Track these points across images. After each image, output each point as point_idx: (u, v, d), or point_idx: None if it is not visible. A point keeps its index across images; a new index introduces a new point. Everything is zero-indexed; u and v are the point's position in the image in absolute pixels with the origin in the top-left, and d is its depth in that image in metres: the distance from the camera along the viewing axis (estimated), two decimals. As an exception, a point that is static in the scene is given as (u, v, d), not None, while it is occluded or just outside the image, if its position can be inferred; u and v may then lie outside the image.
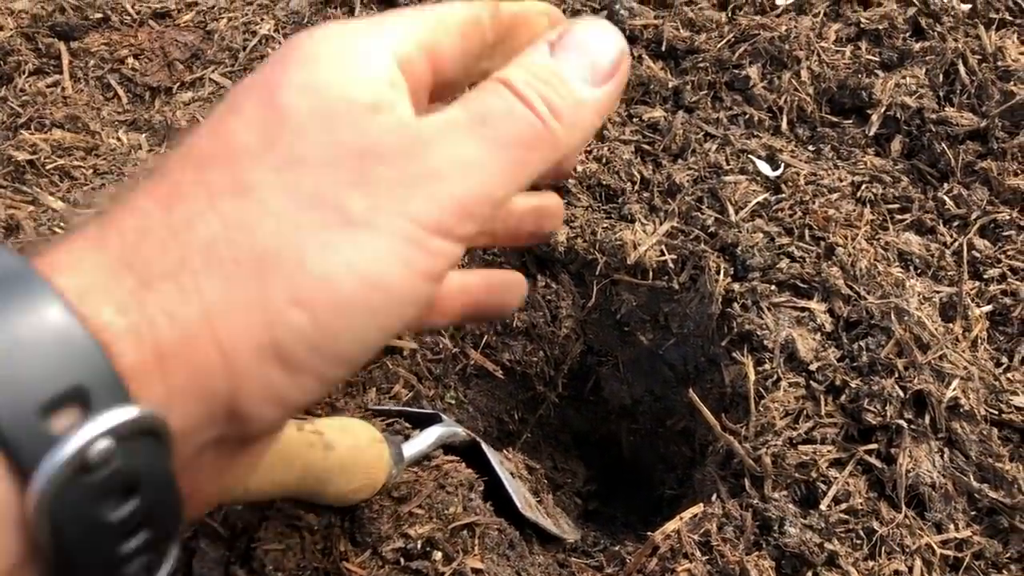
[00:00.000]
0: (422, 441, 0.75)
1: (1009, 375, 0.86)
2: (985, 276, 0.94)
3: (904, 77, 1.10)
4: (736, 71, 1.14)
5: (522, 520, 0.80)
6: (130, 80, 1.33)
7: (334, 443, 0.61)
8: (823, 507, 0.77)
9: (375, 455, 0.67)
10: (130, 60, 1.34)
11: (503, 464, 0.83)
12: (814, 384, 0.85)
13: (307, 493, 0.63)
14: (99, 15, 1.37)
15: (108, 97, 1.32)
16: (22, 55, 1.32)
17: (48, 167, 1.18)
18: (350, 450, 0.63)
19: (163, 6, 1.40)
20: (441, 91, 0.46)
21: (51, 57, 1.33)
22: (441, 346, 0.96)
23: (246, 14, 1.39)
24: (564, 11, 1.27)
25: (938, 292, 0.92)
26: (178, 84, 1.33)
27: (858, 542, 0.75)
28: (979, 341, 0.89)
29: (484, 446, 0.81)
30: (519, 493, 0.81)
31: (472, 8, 0.46)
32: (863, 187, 1.02)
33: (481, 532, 0.72)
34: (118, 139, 1.25)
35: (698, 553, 0.73)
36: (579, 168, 1.03)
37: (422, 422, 0.79)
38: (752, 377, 0.86)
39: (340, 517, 0.69)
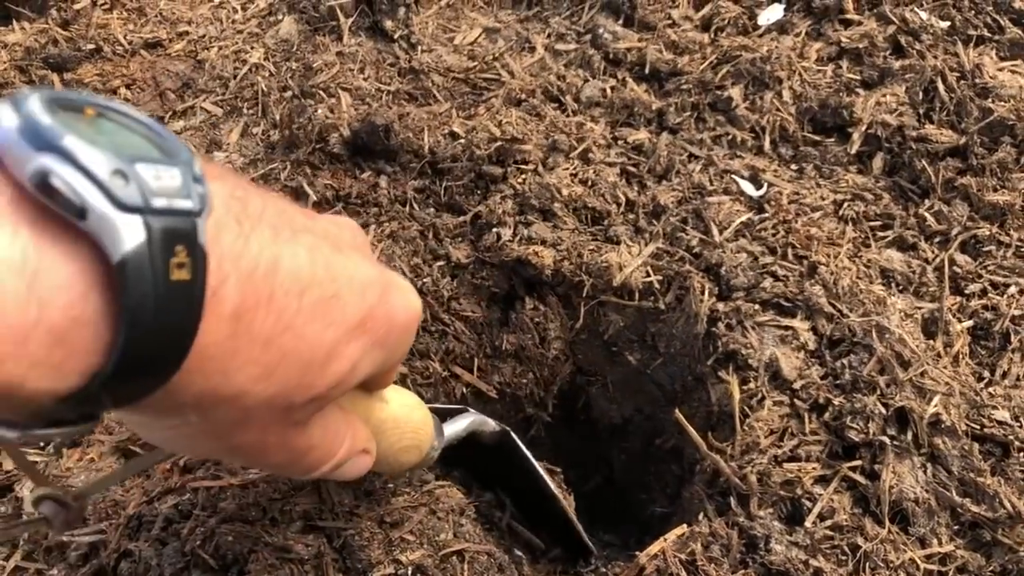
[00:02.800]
0: (457, 425, 0.77)
1: (991, 390, 0.87)
2: (966, 291, 0.96)
3: (885, 95, 1.12)
4: (719, 92, 1.15)
5: (543, 516, 0.81)
6: (123, 110, 1.34)
7: (389, 398, 0.63)
8: (808, 524, 0.78)
9: (423, 418, 0.68)
10: (123, 90, 1.36)
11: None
12: (798, 402, 0.86)
13: None
14: (91, 46, 1.39)
15: (101, 127, 1.33)
16: (16, 87, 1.33)
17: (42, 198, 1.19)
18: (402, 407, 0.65)
19: (154, 36, 1.42)
20: None
21: (44, 89, 1.35)
22: (431, 370, 0.97)
23: (236, 43, 1.41)
24: (548, 36, 1.29)
25: (920, 308, 0.93)
26: (170, 113, 1.34)
27: (843, 558, 0.76)
28: (961, 356, 0.90)
29: (514, 436, 0.82)
30: (555, 485, 0.83)
31: None
32: (845, 205, 1.03)
33: (471, 557, 0.73)
34: (111, 169, 1.27)
35: (684, 573, 0.74)
36: (565, 191, 1.05)
37: (452, 415, 0.81)
38: (737, 396, 0.88)
39: (330, 545, 0.70)
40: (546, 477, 0.82)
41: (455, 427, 0.77)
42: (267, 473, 0.75)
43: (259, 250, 0.41)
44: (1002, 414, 0.84)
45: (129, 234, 0.34)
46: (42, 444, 0.86)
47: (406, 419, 0.66)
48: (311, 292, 0.43)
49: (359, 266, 0.48)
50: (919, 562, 0.75)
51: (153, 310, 0.35)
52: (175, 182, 0.36)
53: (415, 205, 1.07)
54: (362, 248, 0.52)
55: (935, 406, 0.82)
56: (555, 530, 0.87)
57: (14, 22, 1.45)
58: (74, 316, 0.34)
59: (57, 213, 0.34)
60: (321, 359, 0.45)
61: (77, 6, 1.43)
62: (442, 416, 0.78)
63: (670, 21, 1.28)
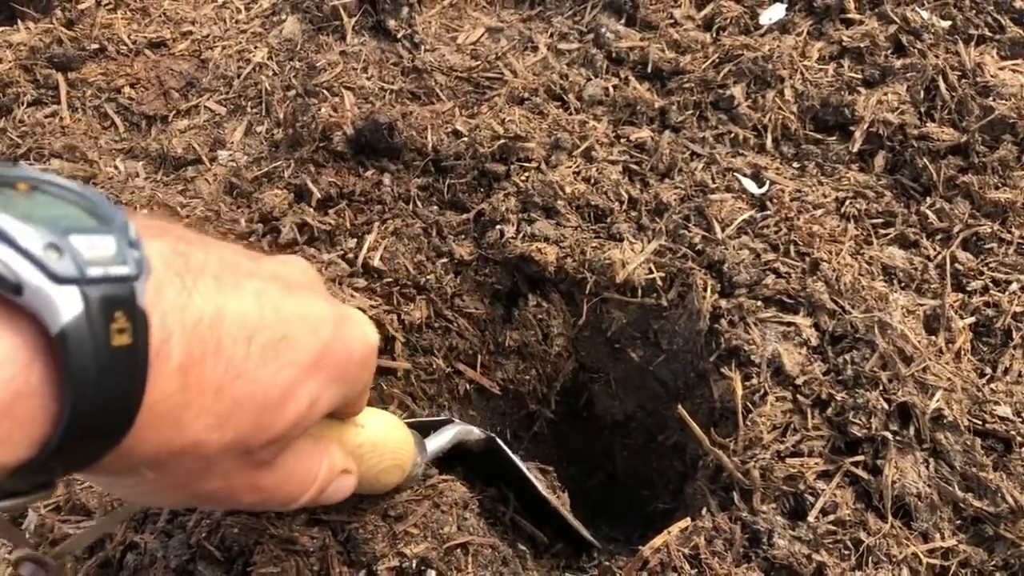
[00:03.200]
0: (441, 438, 0.77)
1: (992, 385, 0.87)
2: (968, 288, 0.96)
3: (886, 94, 1.12)
4: (721, 91, 1.16)
5: (543, 515, 0.82)
6: (127, 109, 1.35)
7: (363, 423, 0.63)
8: (811, 519, 0.78)
9: (402, 438, 0.68)
10: (127, 89, 1.37)
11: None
12: (800, 398, 0.86)
13: None
14: (96, 46, 1.39)
15: (105, 126, 1.34)
16: (20, 86, 1.34)
17: (47, 196, 1.19)
18: (380, 429, 0.65)
19: (158, 35, 1.43)
20: None
21: (49, 88, 1.35)
22: (435, 366, 0.97)
23: (240, 42, 1.42)
24: (550, 35, 1.30)
25: (922, 305, 0.94)
26: (174, 112, 1.35)
27: (846, 552, 0.76)
28: (962, 352, 0.90)
29: (500, 442, 0.82)
30: (542, 483, 0.83)
31: None
32: (847, 203, 1.04)
33: (475, 551, 0.73)
34: (116, 167, 1.27)
35: (687, 567, 0.75)
36: (568, 189, 1.05)
37: (436, 427, 0.81)
38: (740, 392, 0.88)
39: (335, 538, 0.70)
40: (536, 481, 0.82)
41: (439, 440, 0.77)
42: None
43: (203, 301, 0.41)
44: (1004, 409, 0.84)
45: (66, 305, 0.35)
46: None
47: (384, 441, 0.66)
48: (260, 336, 0.44)
49: (310, 304, 0.48)
50: (922, 556, 0.76)
51: (96, 377, 0.36)
52: (109, 250, 0.37)
53: (419, 203, 1.08)
54: (313, 285, 0.52)
55: (937, 401, 0.82)
56: (556, 528, 0.87)
57: (19, 22, 1.45)
58: (17, 389, 0.35)
59: None
60: (276, 401, 0.45)
61: (81, 6, 1.44)
62: (426, 430, 0.79)
63: (672, 20, 1.28)
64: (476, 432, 0.81)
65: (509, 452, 0.82)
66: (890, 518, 0.78)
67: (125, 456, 0.40)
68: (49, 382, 0.35)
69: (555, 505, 0.83)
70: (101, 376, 0.36)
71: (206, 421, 0.42)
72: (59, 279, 0.35)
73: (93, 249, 0.37)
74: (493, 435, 0.82)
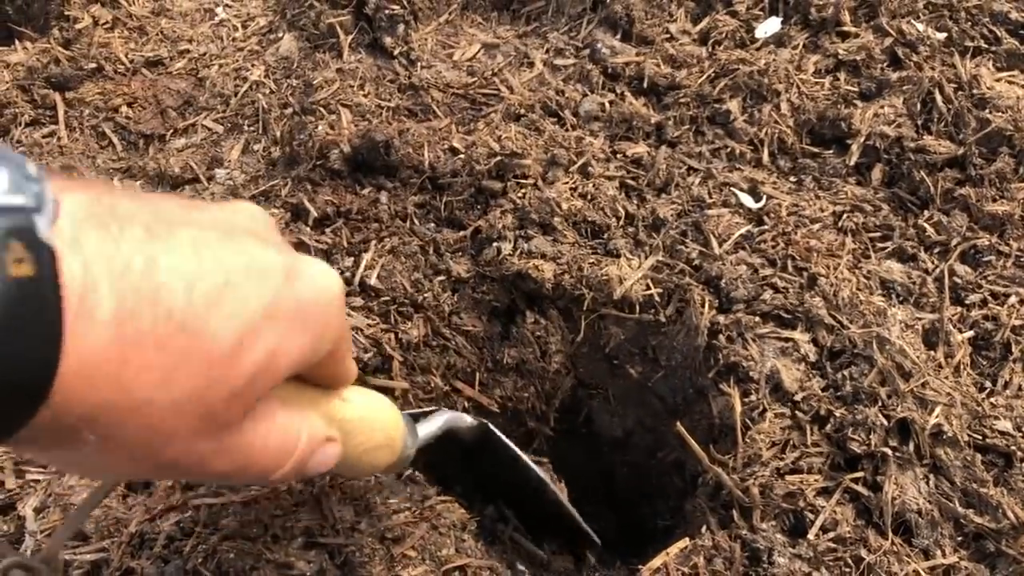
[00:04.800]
0: (431, 424, 0.74)
1: (992, 400, 0.87)
2: (967, 302, 0.96)
3: (883, 107, 1.12)
4: (717, 105, 1.16)
5: (541, 507, 0.80)
6: (124, 128, 1.35)
7: (349, 397, 0.60)
8: (811, 536, 0.78)
9: (392, 416, 0.65)
10: (124, 108, 1.37)
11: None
12: (799, 414, 0.86)
13: None
14: (93, 65, 1.39)
15: (103, 145, 1.34)
16: (18, 107, 1.34)
17: (44, 217, 1.19)
18: (368, 406, 0.62)
19: (155, 55, 1.43)
20: None
21: (47, 108, 1.36)
22: (432, 385, 0.97)
23: (236, 60, 1.42)
24: (546, 51, 1.30)
25: (920, 319, 0.93)
26: (171, 131, 1.35)
27: (847, 570, 0.76)
28: (962, 367, 0.90)
29: (492, 427, 0.80)
30: (543, 472, 0.81)
31: None
32: (844, 216, 1.04)
33: (473, 573, 0.73)
34: (114, 187, 1.27)
35: (687, 587, 0.74)
36: (564, 205, 1.05)
37: (425, 416, 0.77)
38: (739, 408, 0.88)
39: (331, 561, 0.70)
40: (534, 466, 0.80)
41: (430, 426, 0.74)
42: (268, 489, 0.75)
43: (131, 250, 0.39)
44: (1004, 424, 0.84)
45: None
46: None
47: (374, 417, 0.62)
48: (200, 286, 0.41)
49: (256, 251, 0.46)
50: (923, 574, 0.75)
51: None
52: (2, 181, 0.36)
53: (415, 220, 1.08)
54: (261, 232, 0.49)
55: (937, 417, 0.82)
56: (555, 523, 0.85)
57: (16, 42, 1.46)
58: None
59: None
60: (227, 353, 0.43)
61: (79, 25, 1.44)
62: (416, 419, 0.76)
63: (668, 35, 1.28)
64: (467, 419, 0.79)
65: (504, 437, 0.79)
66: (891, 535, 0.77)
67: (64, 418, 0.38)
68: None
69: (554, 491, 0.81)
70: (2, 310, 0.34)
71: (151, 377, 0.40)
72: None
73: None
74: (486, 421, 0.80)
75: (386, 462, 0.65)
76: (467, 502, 0.83)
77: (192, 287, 0.41)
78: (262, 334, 0.44)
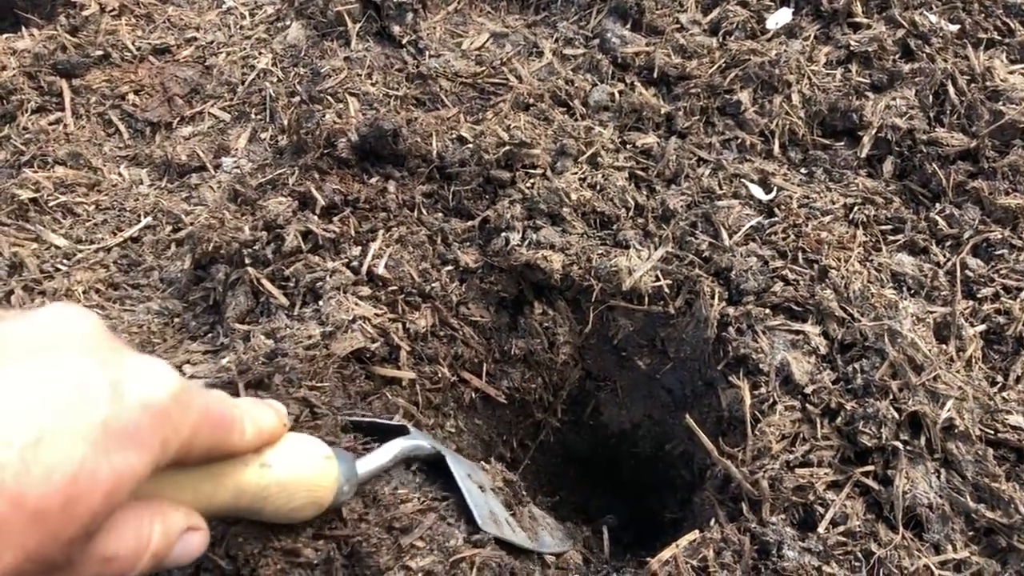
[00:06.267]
0: (380, 456, 0.73)
1: (1004, 394, 0.86)
2: (979, 295, 0.95)
3: (894, 98, 1.11)
4: (728, 96, 1.15)
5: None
6: (131, 116, 1.35)
7: (271, 462, 0.60)
8: (821, 530, 0.77)
9: (319, 473, 0.65)
10: (131, 96, 1.37)
11: (471, 477, 0.81)
12: (810, 407, 0.85)
13: (245, 511, 0.62)
14: (100, 52, 1.39)
15: (109, 133, 1.34)
16: (25, 93, 1.34)
17: (51, 204, 1.19)
18: (289, 469, 0.62)
19: (162, 42, 1.43)
20: None
21: (53, 95, 1.35)
22: (440, 375, 0.97)
23: (244, 48, 1.41)
24: (556, 41, 1.29)
25: (932, 312, 0.93)
26: (178, 119, 1.34)
27: (856, 564, 0.75)
28: (973, 361, 0.89)
29: (449, 459, 0.79)
30: (482, 507, 0.79)
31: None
32: (855, 209, 1.03)
33: (481, 564, 0.72)
34: (120, 174, 1.27)
35: (696, 579, 0.74)
36: (573, 196, 1.04)
37: (390, 434, 0.77)
38: (748, 401, 0.87)
39: (339, 551, 0.70)
40: (471, 503, 0.77)
41: (380, 457, 0.73)
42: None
43: None
44: (1016, 419, 0.83)
45: None
46: None
47: (294, 480, 0.62)
48: (7, 454, 0.39)
49: (74, 372, 0.43)
50: (934, 568, 0.75)
51: None
52: None
53: (423, 210, 1.07)
54: (81, 340, 0.46)
55: (948, 411, 0.81)
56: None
57: (23, 28, 1.45)
58: None
59: None
60: (56, 510, 0.41)
61: (86, 12, 1.44)
62: (381, 433, 0.77)
63: (678, 25, 1.28)
64: (426, 447, 0.78)
65: (455, 471, 0.78)
66: (901, 529, 0.77)
67: None
68: None
69: (489, 531, 0.77)
70: None
71: None
72: None
73: None
74: (443, 450, 0.79)
75: (312, 514, 0.67)
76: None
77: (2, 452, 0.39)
78: (93, 471, 0.42)
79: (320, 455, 0.65)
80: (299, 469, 0.63)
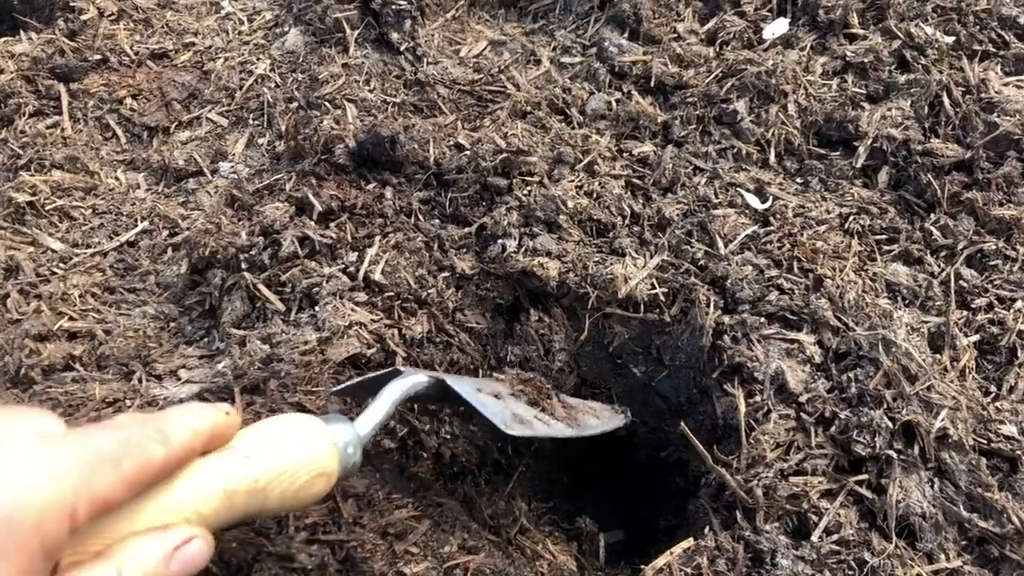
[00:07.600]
0: (378, 408, 0.69)
1: (997, 404, 0.87)
2: (973, 305, 0.95)
3: (890, 109, 1.12)
4: (724, 105, 1.15)
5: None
6: (128, 120, 1.35)
7: (251, 451, 0.57)
8: (814, 538, 0.77)
9: (314, 444, 0.61)
10: (128, 100, 1.37)
11: (481, 391, 0.78)
12: (804, 416, 0.85)
13: (251, 511, 0.58)
14: (98, 56, 1.39)
15: (107, 137, 1.34)
16: (22, 97, 1.34)
17: (48, 208, 1.19)
18: (278, 450, 0.59)
19: (160, 47, 1.43)
20: None
21: (51, 98, 1.35)
22: (436, 381, 0.97)
23: (242, 54, 1.42)
24: (553, 49, 1.29)
25: (926, 322, 0.93)
26: (176, 123, 1.35)
27: (850, 573, 0.76)
28: (967, 371, 0.90)
29: (451, 381, 0.76)
30: (502, 413, 0.76)
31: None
32: (851, 219, 1.03)
33: (475, 570, 0.72)
34: (116, 179, 1.27)
35: (690, 587, 0.74)
36: (570, 204, 1.04)
37: (383, 383, 0.72)
38: (743, 409, 0.87)
39: (334, 556, 0.70)
40: (488, 414, 0.74)
41: (379, 410, 0.69)
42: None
43: None
44: (1009, 428, 0.84)
45: None
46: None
47: (288, 459, 0.59)
48: None
49: None
50: (926, 577, 0.75)
51: None
52: None
53: (420, 216, 1.07)
54: None
55: (942, 420, 0.82)
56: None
57: (21, 32, 1.45)
58: None
59: None
60: None
61: (84, 16, 1.44)
62: (375, 385, 0.72)
63: (676, 35, 1.28)
64: (423, 380, 0.74)
65: (459, 391, 0.75)
66: (894, 538, 0.77)
67: None
68: None
69: (517, 434, 0.75)
70: None
71: None
72: None
73: None
74: (443, 376, 0.76)
75: (324, 488, 0.62)
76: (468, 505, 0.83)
77: None
78: None
79: (308, 426, 0.62)
80: (289, 447, 0.59)
